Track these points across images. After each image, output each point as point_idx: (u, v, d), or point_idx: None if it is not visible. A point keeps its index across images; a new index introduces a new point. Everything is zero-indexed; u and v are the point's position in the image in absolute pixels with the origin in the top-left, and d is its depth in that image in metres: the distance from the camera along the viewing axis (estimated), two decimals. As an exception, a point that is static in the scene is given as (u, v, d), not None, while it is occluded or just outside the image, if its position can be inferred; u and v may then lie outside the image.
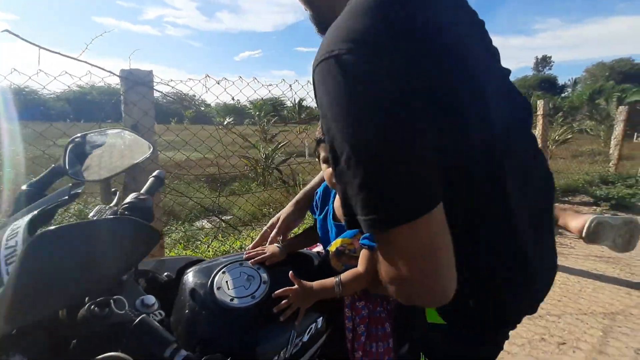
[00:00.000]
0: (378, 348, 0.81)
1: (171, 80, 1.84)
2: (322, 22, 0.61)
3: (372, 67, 0.39)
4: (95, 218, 0.65)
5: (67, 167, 0.66)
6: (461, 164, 0.48)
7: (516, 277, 0.58)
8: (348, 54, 0.39)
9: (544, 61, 65.63)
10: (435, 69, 0.43)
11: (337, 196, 0.93)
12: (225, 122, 14.66)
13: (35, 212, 0.54)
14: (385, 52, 0.40)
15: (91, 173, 0.71)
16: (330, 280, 0.77)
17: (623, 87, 21.35)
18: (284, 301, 0.72)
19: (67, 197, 0.61)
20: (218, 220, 3.33)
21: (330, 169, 0.84)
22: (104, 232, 0.39)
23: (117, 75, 1.73)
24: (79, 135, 0.72)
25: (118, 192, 0.78)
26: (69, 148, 0.68)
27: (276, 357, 0.68)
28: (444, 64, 0.44)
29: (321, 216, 0.96)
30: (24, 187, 0.66)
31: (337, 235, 0.86)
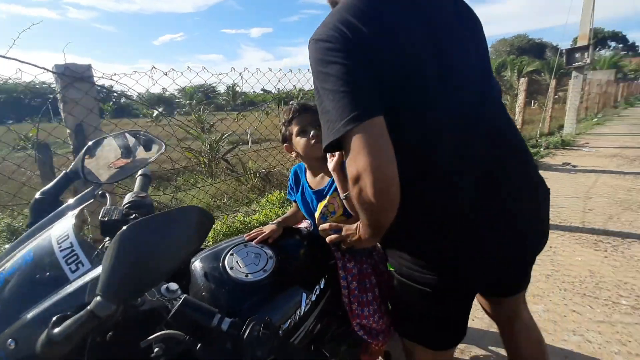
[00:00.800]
0: (368, 297, 0.96)
1: (114, 74, 1.72)
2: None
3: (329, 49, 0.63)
4: (106, 219, 0.68)
5: (83, 172, 0.67)
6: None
7: (458, 237, 0.71)
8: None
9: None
10: (382, 64, 0.64)
11: (308, 171, 1.06)
12: (154, 114, 13.52)
13: (74, 217, 0.56)
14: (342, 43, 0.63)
15: (107, 175, 0.72)
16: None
17: (521, 60, 24.24)
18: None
19: (92, 200, 0.63)
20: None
21: (304, 139, 0.96)
22: (178, 220, 0.45)
23: (52, 72, 1.58)
24: (94, 140, 0.72)
25: (108, 195, 0.80)
26: (83, 153, 0.68)
27: (293, 316, 0.79)
28: (386, 59, 0.65)
29: (299, 194, 1.07)
30: (37, 195, 0.65)
31: (317, 202, 0.98)
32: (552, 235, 2.92)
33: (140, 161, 0.78)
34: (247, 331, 0.55)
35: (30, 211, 0.69)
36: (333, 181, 0.95)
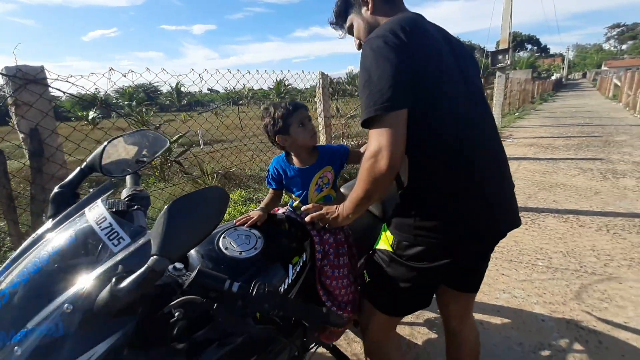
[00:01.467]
0: (343, 261, 1.13)
1: (71, 76, 1.68)
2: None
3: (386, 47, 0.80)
4: (113, 209, 0.76)
5: (100, 167, 0.74)
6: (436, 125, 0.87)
7: (468, 206, 0.89)
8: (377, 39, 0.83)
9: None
10: (420, 68, 0.82)
11: (295, 158, 1.19)
12: (90, 117, 12.43)
13: (104, 202, 0.65)
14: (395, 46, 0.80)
15: (121, 169, 0.80)
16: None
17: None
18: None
19: (112, 191, 0.71)
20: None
21: (304, 132, 1.11)
22: (207, 196, 0.56)
23: (2, 74, 1.51)
24: (110, 139, 0.79)
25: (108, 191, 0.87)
26: (102, 149, 0.75)
27: (282, 287, 0.93)
28: (424, 67, 0.83)
29: (285, 180, 1.20)
30: (56, 189, 0.71)
31: (306, 178, 1.15)
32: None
33: (148, 156, 0.86)
34: (255, 290, 0.68)
35: (51, 203, 0.74)
36: (320, 160, 1.15)
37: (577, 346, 1.66)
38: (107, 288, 0.51)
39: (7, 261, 0.63)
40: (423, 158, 0.89)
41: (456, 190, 0.89)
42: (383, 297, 1.07)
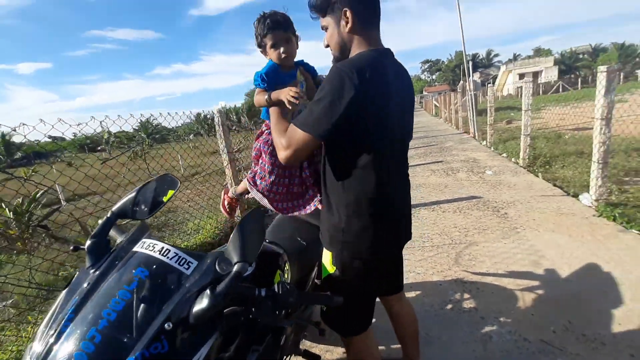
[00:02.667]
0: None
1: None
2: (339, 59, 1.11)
3: (345, 87, 0.92)
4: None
5: (132, 212, 0.78)
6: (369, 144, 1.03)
7: (383, 214, 1.08)
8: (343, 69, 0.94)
9: (263, 75, 79.33)
10: (369, 107, 0.97)
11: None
12: None
13: (152, 238, 0.71)
14: (351, 85, 0.92)
15: (147, 211, 0.83)
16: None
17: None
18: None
19: (149, 231, 0.77)
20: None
21: (276, 53, 1.23)
22: (258, 215, 0.71)
23: None
24: (140, 186, 0.81)
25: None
26: (134, 196, 0.78)
27: None
28: (375, 106, 0.98)
29: (275, 80, 1.27)
30: (89, 241, 0.72)
31: (290, 78, 1.30)
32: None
33: (165, 197, 0.90)
34: (280, 289, 0.86)
35: (89, 254, 0.74)
36: (298, 67, 1.35)
37: (466, 295, 2.27)
38: (202, 298, 0.62)
39: (68, 311, 0.63)
40: (357, 185, 1.06)
41: (380, 211, 1.09)
42: (345, 322, 1.23)
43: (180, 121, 4.41)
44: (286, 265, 1.28)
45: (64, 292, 0.73)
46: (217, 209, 4.62)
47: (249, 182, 1.37)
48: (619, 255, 2.49)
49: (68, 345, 0.59)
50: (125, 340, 0.59)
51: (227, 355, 0.73)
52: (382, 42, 1.12)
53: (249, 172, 1.43)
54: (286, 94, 1.11)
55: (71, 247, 0.89)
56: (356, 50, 1.07)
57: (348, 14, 1.03)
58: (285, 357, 1.33)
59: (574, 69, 46.28)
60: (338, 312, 1.19)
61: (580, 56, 49.33)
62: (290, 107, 1.13)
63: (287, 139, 1.02)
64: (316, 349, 1.90)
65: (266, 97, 1.19)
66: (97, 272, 0.72)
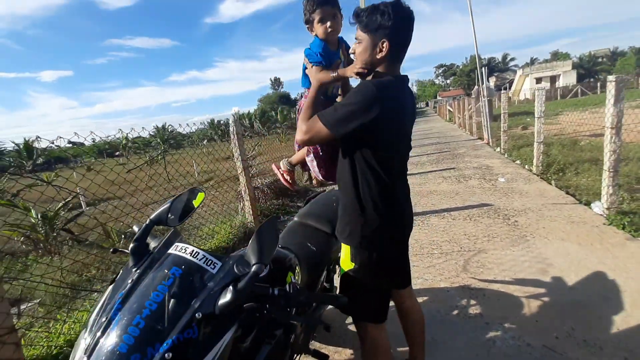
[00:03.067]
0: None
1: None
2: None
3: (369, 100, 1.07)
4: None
5: (167, 219, 0.91)
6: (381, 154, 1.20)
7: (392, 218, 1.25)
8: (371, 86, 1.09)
9: (277, 81, 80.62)
10: (388, 125, 1.14)
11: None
12: None
13: (184, 242, 0.84)
14: (379, 105, 1.07)
15: (178, 219, 0.97)
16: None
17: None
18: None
19: (182, 236, 0.90)
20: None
21: (323, 27, 1.32)
22: (274, 222, 0.84)
23: None
24: (175, 196, 0.95)
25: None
26: (169, 206, 0.92)
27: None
28: (393, 125, 1.17)
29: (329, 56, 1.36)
30: (132, 244, 0.86)
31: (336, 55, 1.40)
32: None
33: (193, 206, 1.04)
34: (292, 289, 0.97)
35: (132, 255, 0.88)
36: (340, 45, 1.44)
37: (472, 301, 2.32)
38: (226, 293, 0.74)
39: (116, 302, 0.76)
40: (370, 183, 1.21)
41: (390, 207, 1.25)
42: (364, 309, 1.34)
43: (195, 128, 4.62)
44: (297, 268, 1.38)
45: (110, 287, 0.86)
46: (230, 214, 4.78)
47: (307, 150, 1.50)
48: (624, 263, 2.49)
49: (118, 330, 0.71)
50: (163, 326, 0.71)
51: (244, 346, 0.84)
52: (399, 70, 1.25)
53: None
54: (352, 70, 1.22)
55: (111, 250, 1.03)
56: (380, 74, 1.21)
57: (385, 44, 1.13)
58: (295, 355, 1.43)
59: (593, 73, 45.16)
60: (361, 299, 1.30)
61: (600, 60, 48.14)
62: (359, 78, 1.25)
63: (307, 126, 1.15)
64: (325, 349, 1.99)
65: (333, 74, 1.27)
66: (139, 271, 0.85)
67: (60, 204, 4.46)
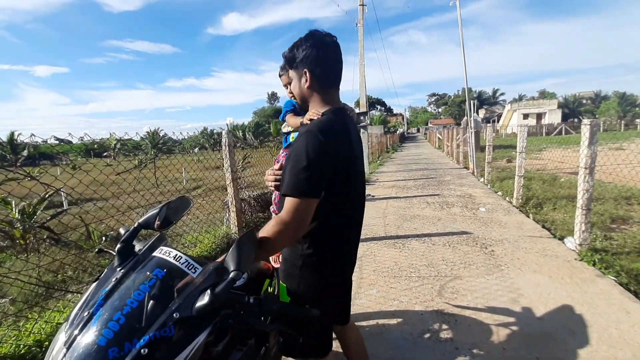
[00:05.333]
0: None
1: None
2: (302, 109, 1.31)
3: (314, 148, 1.02)
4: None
5: (155, 224, 0.96)
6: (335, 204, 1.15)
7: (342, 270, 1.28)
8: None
9: (273, 95, 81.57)
10: (335, 172, 1.09)
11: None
12: None
13: (169, 246, 0.89)
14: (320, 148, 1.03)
15: (166, 224, 1.02)
16: None
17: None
18: None
19: (167, 240, 0.95)
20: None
21: (287, 91, 1.52)
22: (252, 234, 0.90)
23: None
24: (165, 202, 1.00)
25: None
26: (158, 211, 0.97)
27: None
28: (340, 171, 1.11)
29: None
30: (119, 245, 0.90)
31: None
32: (370, 243, 4.20)
33: (180, 214, 1.09)
34: (264, 298, 1.02)
35: (118, 255, 0.92)
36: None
37: (444, 326, 2.38)
38: (204, 296, 0.79)
39: (99, 299, 0.80)
40: (316, 230, 1.14)
41: (338, 256, 1.25)
42: (304, 346, 1.26)
43: (187, 135, 4.67)
44: (273, 280, 1.43)
45: (94, 284, 0.90)
46: (215, 224, 4.78)
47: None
48: (593, 298, 2.60)
49: (99, 324, 0.75)
50: (142, 323, 0.75)
51: (216, 350, 0.88)
52: (339, 98, 1.27)
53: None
54: (305, 118, 1.27)
55: (96, 250, 1.07)
56: (314, 104, 1.24)
57: (307, 73, 1.18)
58: None
59: (577, 113, 47.28)
60: (296, 338, 1.22)
61: (584, 101, 50.54)
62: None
63: (288, 216, 1.01)
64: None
65: (301, 119, 1.39)
66: (123, 270, 0.89)
67: (37, 200, 4.37)
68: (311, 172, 1.01)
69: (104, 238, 4.02)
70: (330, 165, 1.06)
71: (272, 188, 1.49)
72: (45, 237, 4.39)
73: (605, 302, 2.53)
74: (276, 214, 1.30)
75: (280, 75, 1.57)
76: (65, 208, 4.89)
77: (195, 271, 0.87)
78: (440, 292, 2.88)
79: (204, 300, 0.79)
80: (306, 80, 1.19)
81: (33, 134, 2.13)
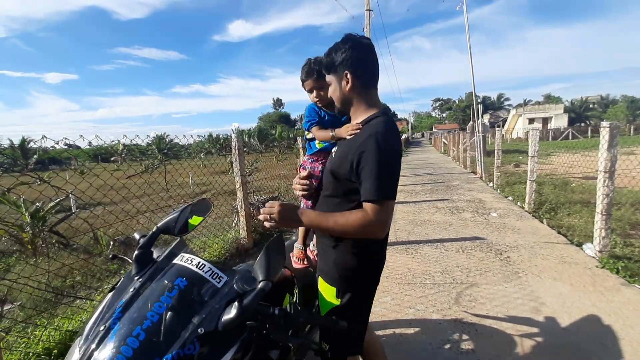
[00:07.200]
0: None
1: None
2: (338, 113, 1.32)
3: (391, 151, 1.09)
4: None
5: (175, 228, 0.90)
6: None
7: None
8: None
9: (278, 101, 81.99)
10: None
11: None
12: None
13: (190, 253, 0.83)
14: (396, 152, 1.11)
15: (186, 228, 0.95)
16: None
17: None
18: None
19: (187, 246, 0.89)
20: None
21: (311, 96, 1.45)
22: (279, 241, 0.83)
23: None
24: (182, 206, 0.94)
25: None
26: (178, 215, 0.91)
27: None
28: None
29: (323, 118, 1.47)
30: (137, 251, 0.84)
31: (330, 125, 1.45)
32: (382, 250, 4.11)
33: (201, 217, 1.03)
34: (292, 309, 0.95)
35: (136, 262, 0.85)
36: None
37: (464, 336, 2.29)
38: (231, 309, 0.72)
39: (116, 311, 0.73)
40: None
41: (381, 247, 1.30)
42: (351, 343, 1.30)
43: (192, 140, 4.64)
44: (295, 288, 1.36)
45: (109, 294, 0.83)
46: (224, 229, 4.72)
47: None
48: (621, 309, 2.49)
49: (116, 340, 0.68)
50: (164, 339, 0.68)
51: None
52: (378, 98, 1.28)
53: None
54: (346, 132, 1.26)
55: (110, 256, 1.01)
56: (358, 106, 1.24)
57: (349, 75, 1.18)
58: None
59: (584, 118, 46.83)
60: (343, 334, 1.27)
61: (591, 105, 50.09)
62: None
63: (384, 214, 1.06)
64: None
65: (332, 133, 1.35)
66: (142, 279, 0.82)
67: (51, 204, 4.36)
68: (393, 176, 1.09)
69: (112, 242, 3.97)
70: (399, 166, 1.13)
71: (301, 197, 1.44)
72: (54, 241, 4.36)
73: (635, 313, 2.42)
74: None
75: (303, 81, 1.46)
76: (73, 211, 4.85)
77: (220, 281, 0.81)
78: (458, 300, 2.78)
79: (230, 313, 0.72)
80: (347, 83, 1.20)
81: (45, 136, 2.10)
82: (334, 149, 1.33)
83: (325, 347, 1.32)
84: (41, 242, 4.16)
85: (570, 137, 33.37)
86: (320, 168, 1.44)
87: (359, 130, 1.19)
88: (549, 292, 2.81)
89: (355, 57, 1.17)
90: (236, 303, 0.73)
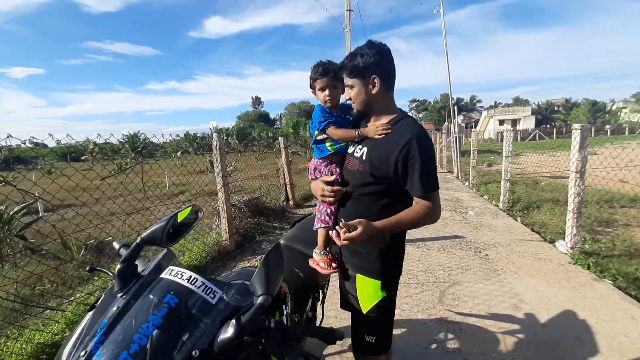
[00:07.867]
0: None
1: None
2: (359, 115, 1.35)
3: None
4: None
5: (160, 240, 0.82)
6: None
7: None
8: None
9: (257, 100, 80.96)
10: None
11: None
12: None
13: (179, 266, 0.75)
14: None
15: (172, 239, 0.87)
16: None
17: (306, 122, 30.65)
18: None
19: (176, 258, 0.81)
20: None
21: (322, 95, 1.41)
22: (277, 251, 0.77)
23: None
24: (170, 215, 0.85)
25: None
26: (165, 225, 0.82)
27: None
28: None
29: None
30: (119, 265, 0.75)
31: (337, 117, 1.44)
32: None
33: (189, 226, 0.95)
34: (289, 321, 0.91)
35: (118, 277, 0.77)
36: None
37: (450, 335, 2.32)
38: (228, 328, 0.67)
39: (97, 333, 0.66)
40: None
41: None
42: (388, 338, 1.42)
43: (169, 138, 4.48)
44: (287, 296, 1.32)
45: (89, 313, 0.75)
46: (204, 231, 4.58)
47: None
48: (594, 304, 2.62)
49: None
50: None
51: None
52: None
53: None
54: (374, 132, 1.29)
55: (87, 268, 0.91)
56: (383, 107, 1.32)
57: (376, 79, 1.24)
58: None
59: (550, 120, 49.37)
60: (387, 327, 1.41)
61: (556, 108, 52.87)
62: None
63: (436, 201, 1.24)
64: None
65: (356, 132, 1.36)
66: (126, 297, 0.74)
67: (17, 208, 4.06)
68: (435, 169, 1.25)
69: (83, 247, 3.74)
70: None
71: (327, 204, 1.43)
72: (21, 246, 4.07)
73: (608, 308, 2.55)
74: (328, 227, 1.43)
75: (318, 78, 1.42)
76: (41, 215, 4.54)
77: (215, 296, 0.75)
78: (441, 298, 2.83)
79: (227, 332, 0.67)
80: (373, 86, 1.25)
81: (10, 135, 1.94)
82: (352, 151, 1.38)
83: (371, 340, 1.39)
84: (8, 249, 3.86)
85: (537, 138, 35.08)
86: (338, 171, 1.43)
87: (389, 131, 1.26)
88: (527, 289, 2.92)
89: (382, 62, 1.24)
90: (233, 321, 0.68)
